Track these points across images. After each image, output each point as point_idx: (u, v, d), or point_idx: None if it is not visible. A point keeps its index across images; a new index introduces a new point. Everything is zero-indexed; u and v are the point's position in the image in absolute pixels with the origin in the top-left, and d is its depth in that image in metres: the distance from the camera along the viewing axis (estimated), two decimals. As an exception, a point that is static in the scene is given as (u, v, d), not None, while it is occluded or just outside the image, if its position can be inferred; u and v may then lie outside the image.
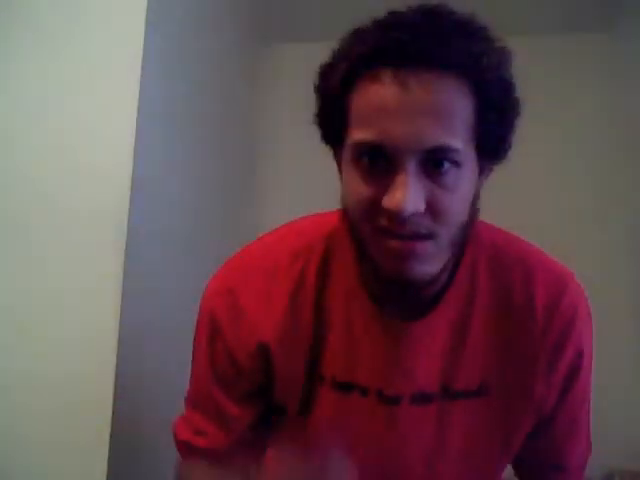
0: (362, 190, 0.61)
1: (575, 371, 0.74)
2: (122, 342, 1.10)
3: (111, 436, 1.07)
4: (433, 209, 0.59)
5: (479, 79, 0.58)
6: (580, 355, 0.73)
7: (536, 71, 2.01)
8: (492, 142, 0.63)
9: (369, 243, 0.63)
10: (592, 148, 2.29)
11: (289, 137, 2.43)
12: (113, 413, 1.07)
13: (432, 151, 0.57)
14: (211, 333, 0.75)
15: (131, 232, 1.15)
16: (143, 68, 1.21)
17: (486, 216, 0.72)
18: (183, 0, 1.54)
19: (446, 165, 0.58)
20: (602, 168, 2.27)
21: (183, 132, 1.56)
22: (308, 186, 1.54)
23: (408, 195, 0.56)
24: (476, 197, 0.64)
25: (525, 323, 0.71)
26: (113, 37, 1.22)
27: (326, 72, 0.64)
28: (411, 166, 0.57)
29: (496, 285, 0.72)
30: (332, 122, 0.64)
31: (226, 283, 0.75)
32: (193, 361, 0.80)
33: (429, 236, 0.60)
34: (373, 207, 0.60)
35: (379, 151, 0.59)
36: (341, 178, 0.67)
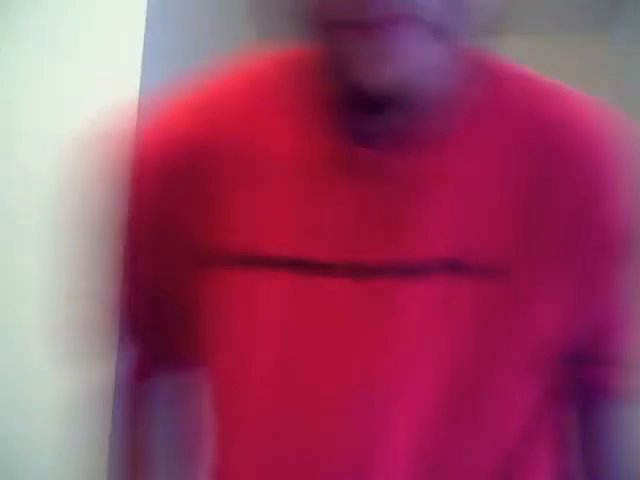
0: None
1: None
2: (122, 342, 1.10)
3: (111, 436, 1.07)
4: None
5: None
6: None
7: (536, 71, 2.01)
8: None
9: (329, 50, 0.43)
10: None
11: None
12: (113, 413, 1.07)
13: None
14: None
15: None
16: (143, 68, 1.21)
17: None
18: (183, 0, 1.54)
19: None
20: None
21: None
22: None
23: None
24: None
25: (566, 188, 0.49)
26: (113, 37, 1.22)
27: None
28: None
29: (523, 144, 0.50)
30: None
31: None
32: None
33: (408, 16, 0.38)
34: None
35: None
36: None
